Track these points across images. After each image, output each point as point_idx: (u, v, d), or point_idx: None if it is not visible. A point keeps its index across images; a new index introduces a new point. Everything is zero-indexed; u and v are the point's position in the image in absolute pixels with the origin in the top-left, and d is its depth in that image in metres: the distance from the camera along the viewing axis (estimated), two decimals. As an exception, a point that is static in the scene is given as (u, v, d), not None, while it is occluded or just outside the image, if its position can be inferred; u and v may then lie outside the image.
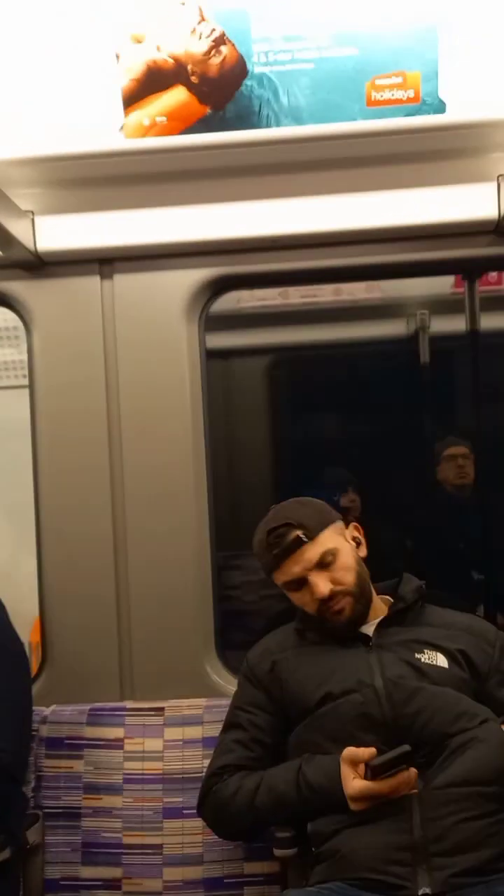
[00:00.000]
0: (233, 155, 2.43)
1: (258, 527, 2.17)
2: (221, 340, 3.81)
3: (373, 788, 1.87)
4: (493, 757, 1.95)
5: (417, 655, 2.08)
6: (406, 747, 1.86)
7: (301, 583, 2.10)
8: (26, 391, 2.70)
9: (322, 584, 2.07)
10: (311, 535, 2.10)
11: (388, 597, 2.24)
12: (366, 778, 1.88)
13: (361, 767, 1.91)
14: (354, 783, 1.90)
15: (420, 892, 1.81)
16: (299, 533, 2.09)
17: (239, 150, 2.40)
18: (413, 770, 1.88)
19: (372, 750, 1.89)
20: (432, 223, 2.49)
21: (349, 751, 1.93)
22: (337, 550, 2.11)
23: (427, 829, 1.86)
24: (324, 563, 2.09)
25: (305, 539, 2.09)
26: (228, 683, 2.57)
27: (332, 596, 2.07)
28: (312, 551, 2.09)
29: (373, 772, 1.87)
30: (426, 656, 2.08)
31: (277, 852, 2.09)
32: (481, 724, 2.00)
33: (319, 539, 2.10)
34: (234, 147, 2.39)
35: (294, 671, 2.13)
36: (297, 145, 2.40)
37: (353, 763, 1.92)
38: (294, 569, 2.09)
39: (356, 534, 2.21)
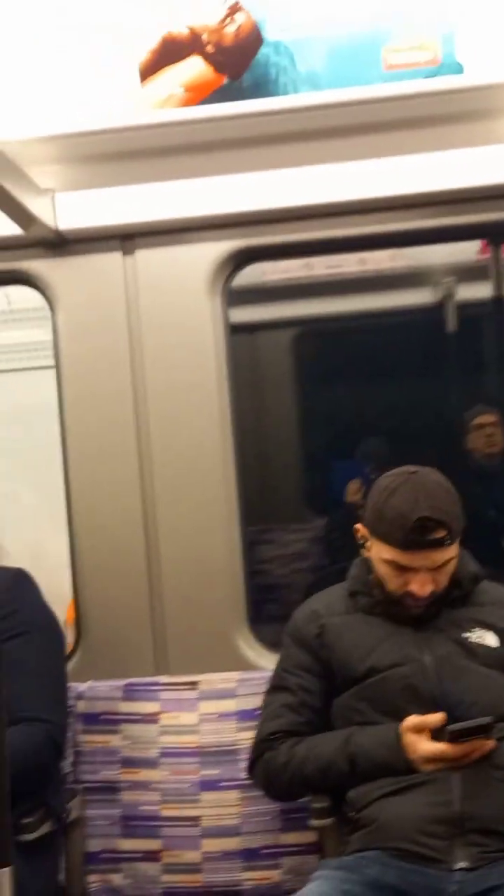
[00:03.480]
0: (251, 124, 2.40)
1: (396, 491, 2.03)
2: (246, 314, 3.79)
3: (446, 751, 1.89)
4: None
5: (466, 634, 2.07)
6: (488, 719, 1.87)
7: (406, 569, 2.03)
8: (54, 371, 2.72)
9: (427, 585, 2.01)
10: (453, 541, 2.02)
11: None
12: (438, 741, 1.90)
13: (427, 734, 1.93)
14: (427, 745, 1.91)
15: (456, 867, 1.81)
16: (446, 534, 1.99)
17: (257, 118, 2.37)
18: (491, 742, 1.90)
19: (440, 715, 1.92)
20: (455, 188, 2.45)
21: (413, 719, 1.94)
22: (454, 557, 2.06)
23: (466, 806, 1.87)
24: (440, 566, 2.03)
25: (448, 542, 2.00)
26: (260, 657, 2.58)
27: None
28: (443, 555, 2.01)
29: (450, 737, 1.89)
30: (475, 635, 2.07)
31: (314, 822, 2.11)
32: None
33: (454, 546, 2.04)
34: (252, 116, 2.37)
35: (340, 638, 2.12)
36: (315, 112, 2.36)
37: (418, 730, 1.93)
38: (417, 562, 2.01)
39: None
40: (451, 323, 3.87)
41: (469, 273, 3.82)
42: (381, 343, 4.13)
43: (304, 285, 3.97)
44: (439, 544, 1.99)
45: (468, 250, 3.70)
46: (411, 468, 2.09)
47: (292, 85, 2.29)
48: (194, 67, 2.32)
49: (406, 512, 1.99)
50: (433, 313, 3.91)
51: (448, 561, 2.03)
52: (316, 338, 4.30)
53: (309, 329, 4.24)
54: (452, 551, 2.03)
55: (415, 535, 1.98)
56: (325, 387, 4.30)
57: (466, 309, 3.86)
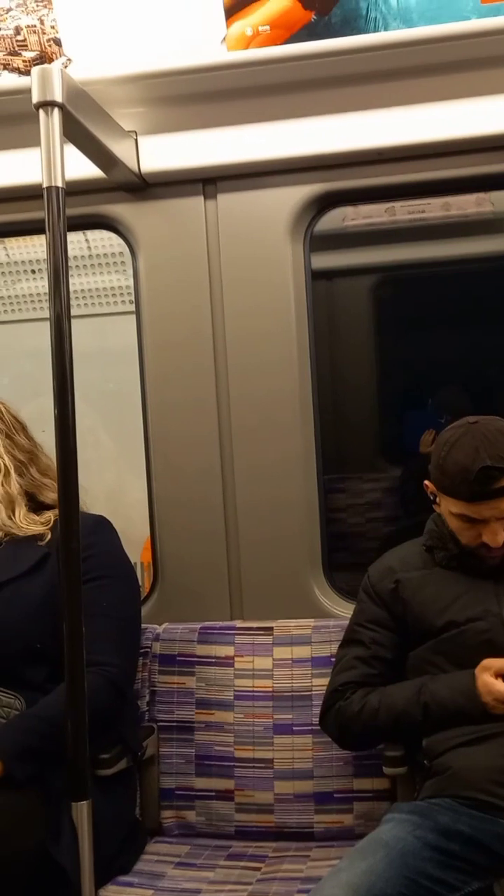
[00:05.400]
0: (339, 63, 2.33)
1: (457, 443, 2.00)
2: (327, 261, 3.74)
3: None
4: None
5: None
6: None
7: (476, 521, 2.01)
8: (132, 317, 2.72)
9: (500, 535, 1.99)
10: None
11: None
12: None
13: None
14: (501, 685, 1.91)
15: (529, 820, 1.81)
16: None
17: (346, 57, 2.31)
18: None
19: None
20: (549, 128, 2.35)
21: (488, 661, 1.94)
22: None
23: None
24: None
25: None
26: (335, 605, 2.58)
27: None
28: None
29: None
30: None
31: (388, 770, 2.13)
32: None
33: None
34: (340, 54, 2.30)
35: (417, 593, 2.12)
36: (406, 49, 2.28)
37: (494, 674, 1.93)
38: (485, 512, 1.98)
39: None
40: (536, 270, 3.76)
41: None
42: (462, 291, 4.03)
43: (386, 231, 3.88)
44: None
45: None
46: (472, 419, 2.05)
47: (383, 20, 2.21)
48: (281, 3, 2.25)
49: (467, 464, 1.95)
50: (517, 261, 3.80)
51: None
52: (396, 285, 4.22)
53: (389, 276, 4.16)
54: None
55: (479, 486, 1.95)
56: (403, 335, 4.23)
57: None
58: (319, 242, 2.76)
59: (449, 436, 2.05)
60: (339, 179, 2.54)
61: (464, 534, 2.05)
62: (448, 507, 2.05)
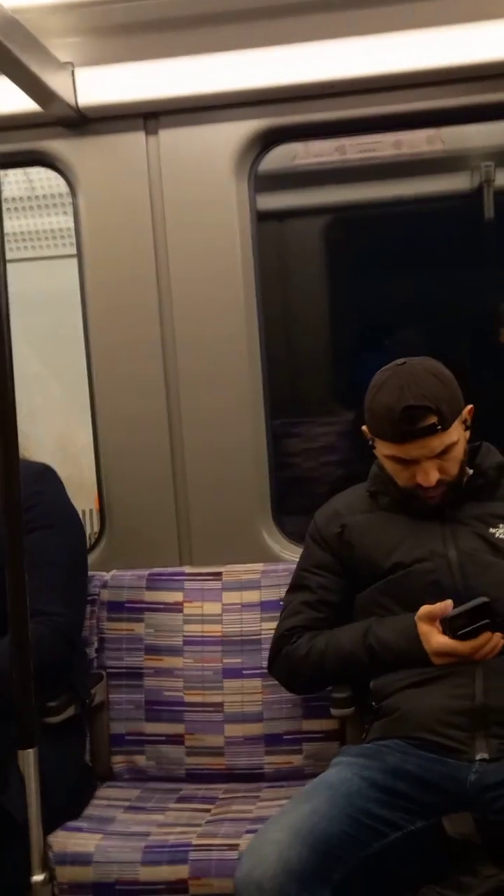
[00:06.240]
0: (281, -9, 2.26)
1: (384, 385, 1.99)
2: (276, 201, 3.66)
3: (455, 647, 1.89)
4: None
5: (492, 530, 2.05)
6: (483, 599, 1.86)
7: (409, 462, 2.00)
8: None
9: (432, 474, 1.99)
10: (446, 426, 1.96)
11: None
12: (445, 634, 1.90)
13: (438, 626, 1.92)
14: (438, 638, 1.91)
15: (477, 757, 1.83)
16: (436, 420, 1.94)
17: (289, -16, 2.23)
18: (498, 635, 1.89)
19: (448, 603, 1.91)
20: (498, 60, 2.30)
21: (425, 608, 1.94)
22: (457, 442, 2.01)
23: (489, 697, 1.87)
24: (442, 453, 1.99)
25: (440, 428, 1.96)
26: (285, 549, 2.58)
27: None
28: (439, 441, 1.97)
29: (451, 625, 1.88)
30: (501, 531, 2.04)
31: (335, 711, 2.14)
32: None
33: (450, 430, 1.98)
34: None
35: (363, 536, 2.11)
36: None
37: (431, 619, 1.93)
38: (413, 452, 1.98)
39: (468, 417, 2.08)
40: (489, 210, 3.72)
41: (509, 157, 3.64)
42: (414, 231, 3.98)
43: (336, 170, 3.81)
44: (431, 431, 1.95)
45: (509, 132, 3.51)
46: (401, 361, 2.04)
47: None
48: None
49: (392, 404, 1.95)
50: (470, 200, 3.75)
51: (450, 447, 1.99)
52: (348, 226, 4.15)
53: (340, 216, 4.09)
54: (451, 436, 1.99)
55: (404, 426, 1.95)
56: (356, 277, 4.18)
57: (505, 195, 3.70)
58: (269, 182, 2.70)
59: (377, 378, 2.04)
60: (285, 114, 2.48)
61: (399, 475, 2.05)
62: (381, 450, 2.05)
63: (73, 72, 2.39)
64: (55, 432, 3.86)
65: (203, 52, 2.39)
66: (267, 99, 2.45)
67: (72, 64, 2.39)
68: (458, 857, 1.78)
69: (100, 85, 2.42)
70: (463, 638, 1.88)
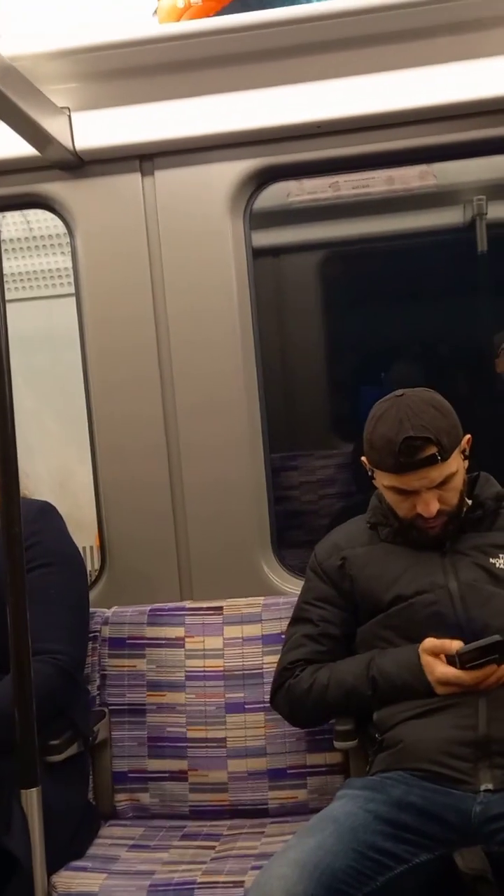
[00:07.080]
0: (273, 35, 2.31)
1: (383, 417, 2.01)
2: (272, 237, 3.71)
3: (460, 676, 1.88)
4: None
5: (492, 560, 2.06)
6: (497, 637, 1.85)
7: (409, 492, 2.02)
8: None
9: (432, 504, 2.00)
10: (446, 456, 1.98)
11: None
12: (451, 665, 1.90)
13: (443, 657, 1.92)
14: (441, 668, 1.91)
15: (482, 788, 1.82)
16: (436, 451, 1.96)
17: (279, 29, 2.29)
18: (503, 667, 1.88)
19: (458, 643, 1.90)
20: (487, 97, 2.34)
21: (430, 641, 1.94)
22: (456, 472, 2.03)
23: (492, 728, 1.87)
24: (441, 484, 2.01)
25: (439, 458, 1.97)
26: (285, 582, 2.58)
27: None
28: (439, 472, 1.98)
29: (461, 660, 1.88)
30: (501, 561, 2.05)
31: (338, 744, 2.13)
32: None
33: (449, 460, 2.00)
34: (273, 26, 2.28)
35: (363, 568, 2.12)
36: (340, 20, 2.27)
37: (435, 653, 1.93)
38: (414, 483, 1.99)
39: (466, 447, 2.09)
40: (482, 243, 3.76)
41: (500, 191, 3.69)
42: (409, 265, 4.02)
43: (331, 207, 3.86)
44: (432, 461, 1.96)
45: (499, 167, 3.57)
46: (400, 392, 2.06)
47: (319, -10, 2.18)
48: (212, -26, 2.22)
49: (392, 436, 1.97)
50: (463, 233, 3.80)
51: (449, 477, 2.01)
52: (343, 260, 4.20)
53: (336, 251, 4.14)
54: (451, 467, 2.01)
55: (404, 458, 1.96)
56: (352, 311, 4.22)
57: (497, 228, 3.74)
58: (265, 219, 2.74)
59: (376, 410, 2.06)
60: (278, 154, 2.52)
61: (399, 506, 2.06)
62: (381, 481, 2.07)
63: (69, 116, 2.44)
64: (54, 469, 3.87)
65: (196, 95, 2.44)
66: (260, 139, 2.49)
67: (68, 108, 2.44)
68: (466, 891, 1.77)
69: (96, 128, 2.46)
70: (468, 669, 1.89)
